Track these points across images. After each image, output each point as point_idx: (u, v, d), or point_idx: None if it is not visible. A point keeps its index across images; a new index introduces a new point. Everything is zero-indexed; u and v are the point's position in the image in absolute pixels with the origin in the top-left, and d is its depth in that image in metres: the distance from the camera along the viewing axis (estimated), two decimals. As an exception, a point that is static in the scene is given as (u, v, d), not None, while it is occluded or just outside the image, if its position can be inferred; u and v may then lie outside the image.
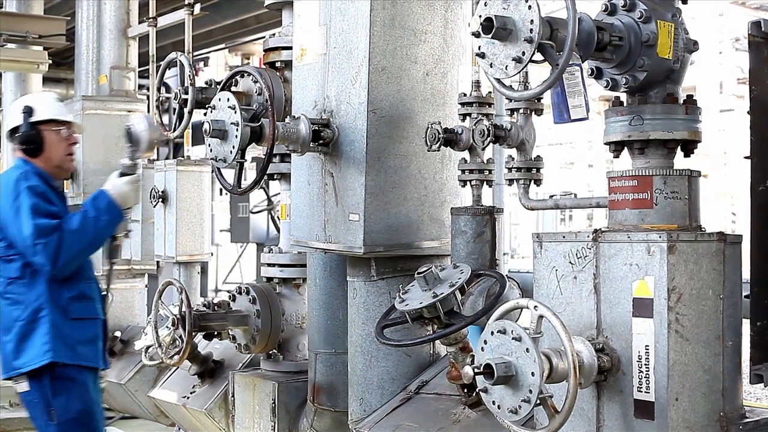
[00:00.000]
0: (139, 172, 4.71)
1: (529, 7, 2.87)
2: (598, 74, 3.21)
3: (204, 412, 5.59)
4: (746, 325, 3.14)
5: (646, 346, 2.89)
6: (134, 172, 4.58)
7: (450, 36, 4.35)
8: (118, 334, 7.19)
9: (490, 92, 4.05)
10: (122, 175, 4.57)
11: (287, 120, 4.24)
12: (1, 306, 4.47)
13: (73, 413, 4.42)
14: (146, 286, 8.34)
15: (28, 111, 4.56)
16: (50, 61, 10.11)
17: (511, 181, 3.93)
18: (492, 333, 2.89)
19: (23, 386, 4.44)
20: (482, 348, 2.91)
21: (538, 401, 2.78)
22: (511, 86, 3.20)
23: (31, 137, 4.55)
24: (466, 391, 3.80)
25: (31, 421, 4.56)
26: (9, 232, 4.39)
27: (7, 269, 4.44)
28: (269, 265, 5.42)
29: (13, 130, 4.61)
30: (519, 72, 2.99)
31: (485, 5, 2.97)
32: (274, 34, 5.38)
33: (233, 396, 5.40)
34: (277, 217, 6.00)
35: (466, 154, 4.08)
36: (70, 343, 4.42)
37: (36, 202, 4.35)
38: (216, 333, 5.36)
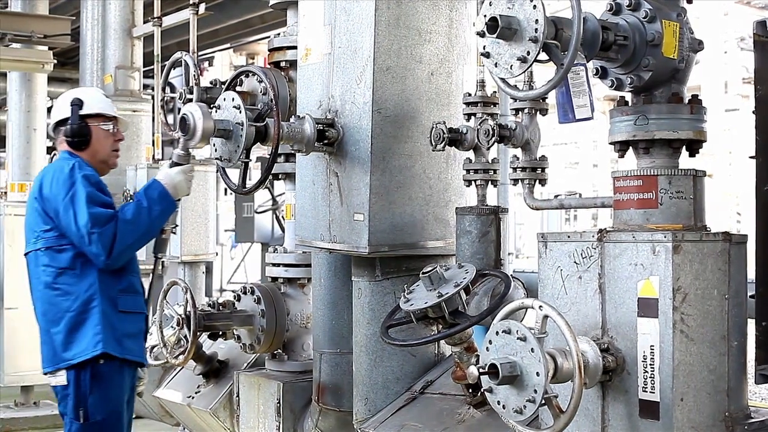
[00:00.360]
0: (192, 162, 4.62)
1: (534, 6, 2.86)
2: (603, 74, 3.21)
3: (209, 411, 5.59)
4: (751, 325, 3.13)
5: (651, 346, 2.89)
6: (187, 162, 4.52)
7: (455, 36, 4.35)
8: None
9: (494, 92, 4.05)
10: (174, 165, 4.53)
11: (292, 120, 4.24)
12: (49, 297, 4.40)
13: (102, 414, 4.37)
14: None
15: (78, 103, 4.52)
16: (55, 61, 10.13)
17: (515, 181, 3.93)
18: (497, 333, 2.89)
19: (61, 379, 4.37)
20: (487, 348, 2.91)
21: (543, 401, 2.78)
22: (516, 86, 3.20)
23: (79, 130, 4.51)
24: (471, 391, 3.80)
25: (60, 417, 4.53)
26: (62, 222, 4.32)
27: (57, 259, 4.37)
28: (274, 264, 5.42)
29: (60, 122, 4.57)
30: (524, 72, 3.00)
31: (490, 5, 2.96)
32: (278, 34, 5.37)
33: (238, 396, 5.40)
34: (282, 217, 6.00)
35: (470, 154, 4.08)
36: (117, 336, 4.37)
37: (91, 191, 4.31)
38: (221, 333, 5.36)
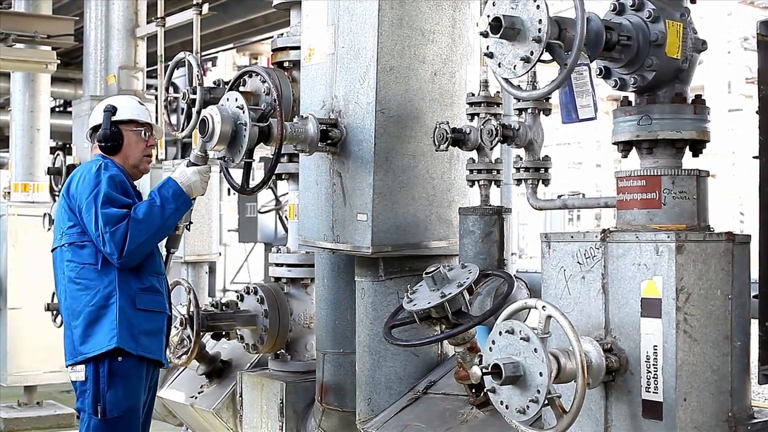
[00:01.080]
0: (209, 163, 4.66)
1: (538, 6, 2.87)
2: (606, 74, 3.20)
3: (212, 412, 5.59)
4: (755, 325, 3.13)
5: (654, 346, 2.89)
6: (204, 163, 4.56)
7: (458, 36, 4.35)
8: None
9: (498, 92, 4.05)
10: (191, 164, 4.55)
11: (295, 120, 4.24)
12: (71, 291, 4.48)
13: (120, 410, 4.41)
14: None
15: (111, 110, 4.64)
16: (58, 61, 10.12)
17: (519, 181, 3.93)
18: (500, 333, 2.89)
19: (79, 375, 4.43)
20: (490, 348, 2.91)
21: (546, 401, 2.77)
22: (519, 86, 3.20)
23: (111, 135, 4.62)
24: (474, 391, 3.80)
25: (77, 412, 4.57)
26: (83, 220, 4.42)
27: (79, 255, 4.46)
28: (277, 265, 5.43)
29: (95, 128, 4.69)
30: (527, 72, 2.99)
31: (493, 5, 2.97)
32: (282, 34, 5.38)
33: (241, 396, 5.41)
34: (285, 217, 6.01)
35: (474, 154, 4.08)
36: (134, 333, 4.42)
37: (110, 192, 4.39)
38: (224, 333, 5.37)
